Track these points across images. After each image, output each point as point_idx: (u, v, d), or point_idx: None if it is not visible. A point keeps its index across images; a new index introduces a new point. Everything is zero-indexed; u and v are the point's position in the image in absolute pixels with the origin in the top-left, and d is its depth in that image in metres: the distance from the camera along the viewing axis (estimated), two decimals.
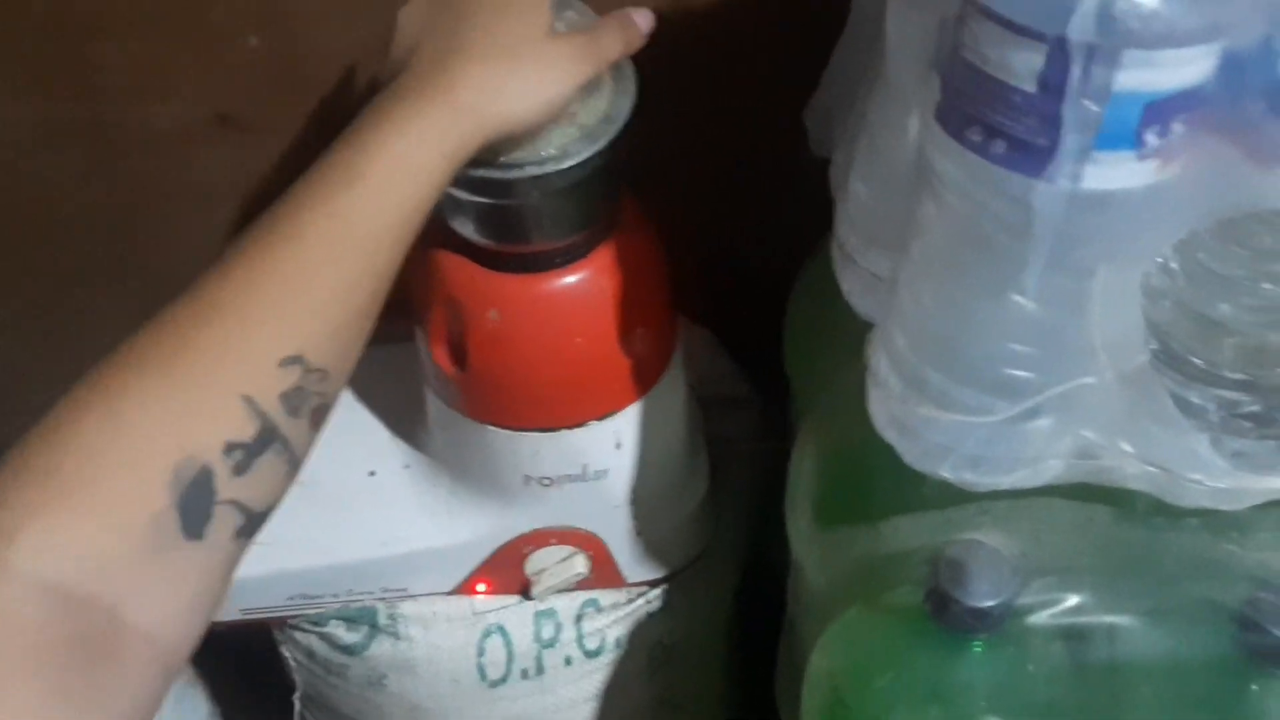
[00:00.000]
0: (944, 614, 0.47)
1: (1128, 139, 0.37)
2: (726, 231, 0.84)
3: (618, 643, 0.78)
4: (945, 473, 0.47)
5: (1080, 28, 0.35)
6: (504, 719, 0.78)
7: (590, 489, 0.70)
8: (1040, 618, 0.48)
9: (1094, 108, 0.36)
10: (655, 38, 0.58)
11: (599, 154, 0.56)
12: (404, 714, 0.79)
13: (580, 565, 0.74)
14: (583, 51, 0.53)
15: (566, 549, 0.74)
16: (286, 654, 0.81)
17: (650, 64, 0.59)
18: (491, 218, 0.59)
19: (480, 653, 0.75)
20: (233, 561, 0.43)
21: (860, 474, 0.58)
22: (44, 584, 0.37)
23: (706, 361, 0.88)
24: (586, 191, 0.58)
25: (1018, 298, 0.42)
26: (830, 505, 0.60)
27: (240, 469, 0.42)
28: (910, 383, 0.46)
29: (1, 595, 0.36)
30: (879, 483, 0.56)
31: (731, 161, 0.82)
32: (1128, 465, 0.46)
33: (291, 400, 0.43)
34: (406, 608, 0.76)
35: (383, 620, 0.76)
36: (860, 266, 0.55)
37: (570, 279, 0.62)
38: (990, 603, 0.47)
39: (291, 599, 0.75)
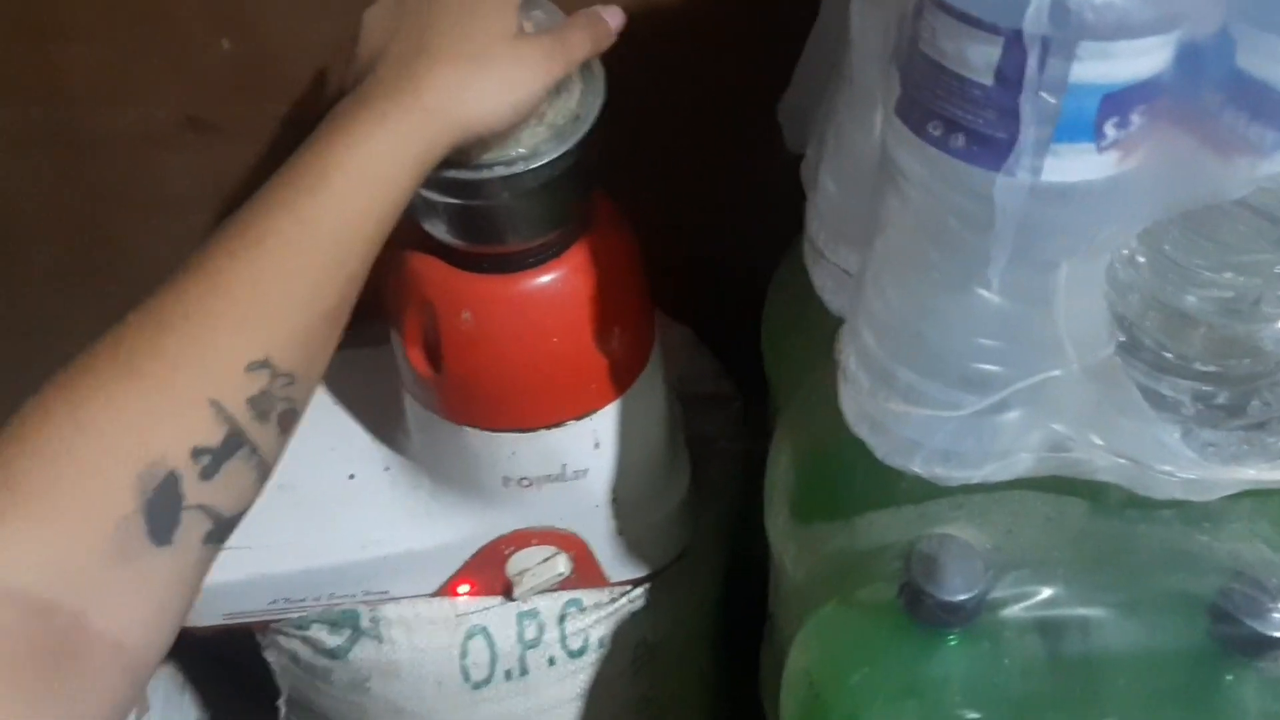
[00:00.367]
0: (918, 608, 0.47)
1: (1086, 131, 0.37)
2: (705, 229, 0.84)
3: (601, 642, 0.78)
4: (916, 468, 0.47)
5: (1035, 20, 0.35)
6: None
7: (570, 489, 0.70)
8: (1014, 611, 0.48)
9: (1051, 100, 0.36)
10: (626, 35, 0.58)
11: (569, 153, 0.56)
12: (388, 717, 0.79)
13: (562, 565, 0.74)
14: (551, 52, 0.52)
15: (548, 549, 0.74)
16: (270, 659, 0.81)
17: (621, 62, 0.59)
18: (463, 219, 0.59)
19: (464, 654, 0.75)
20: (203, 567, 0.43)
21: (835, 470, 0.58)
22: (8, 591, 0.36)
23: (687, 359, 0.87)
24: (558, 191, 0.58)
25: (982, 292, 0.42)
26: (806, 501, 0.60)
27: (207, 474, 0.41)
28: (879, 378, 0.46)
29: None
30: (853, 479, 0.56)
31: (708, 159, 0.81)
32: (1098, 458, 0.46)
33: (259, 404, 0.43)
34: (389, 610, 0.75)
35: (365, 623, 0.76)
36: (830, 263, 0.54)
37: (544, 279, 0.62)
38: (963, 596, 0.46)
39: (273, 603, 0.75)
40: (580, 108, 0.57)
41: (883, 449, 0.48)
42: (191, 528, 0.41)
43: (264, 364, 0.43)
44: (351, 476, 0.75)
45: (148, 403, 0.41)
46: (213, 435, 0.42)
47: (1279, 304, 0.45)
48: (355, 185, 0.46)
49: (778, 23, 0.66)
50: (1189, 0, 0.36)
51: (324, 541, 0.73)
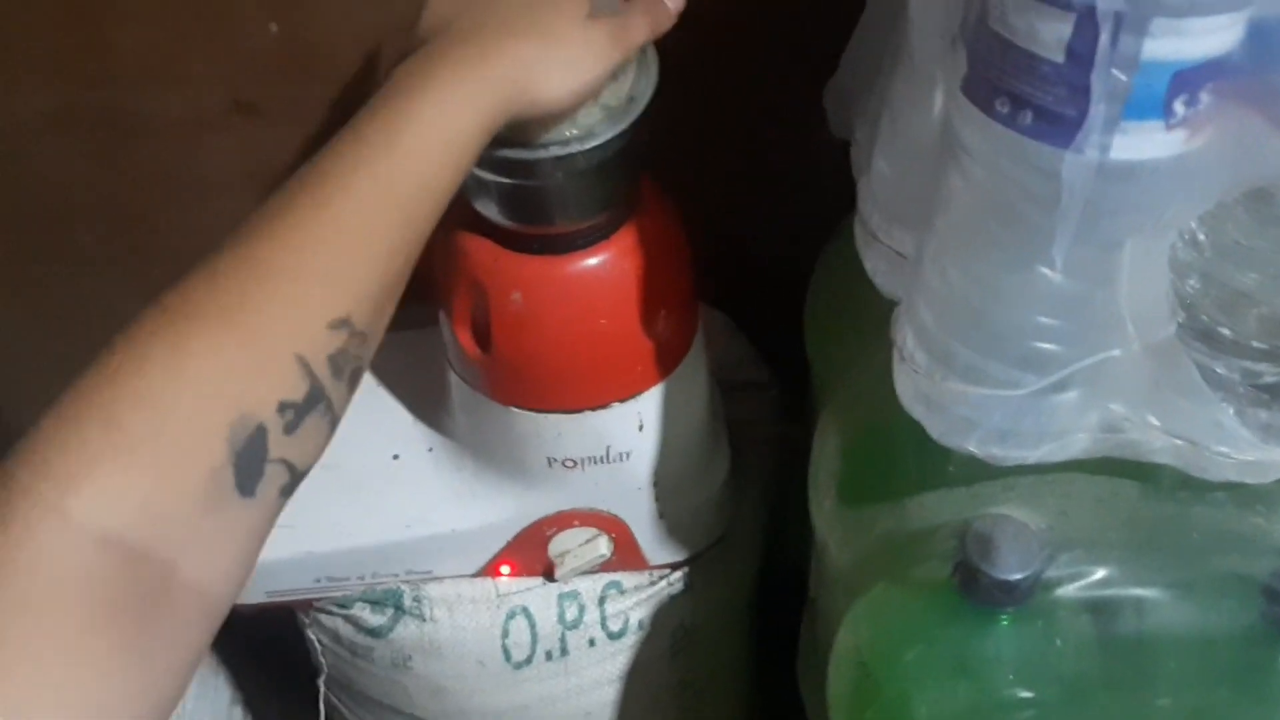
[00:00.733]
0: (971, 588, 0.48)
1: (1156, 109, 0.37)
2: (743, 216, 0.84)
3: (640, 624, 0.78)
4: (972, 447, 0.47)
5: None
6: (528, 700, 0.79)
7: (613, 471, 0.70)
8: (1067, 591, 0.48)
9: (1122, 77, 0.36)
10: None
11: (622, 135, 0.57)
12: (429, 695, 0.79)
13: (603, 547, 0.74)
14: (615, 36, 0.53)
15: (590, 531, 0.74)
16: (312, 636, 0.82)
17: (668, 46, 0.59)
18: (515, 199, 0.59)
19: (505, 634, 0.76)
20: (274, 519, 0.43)
21: (885, 452, 0.58)
22: (105, 535, 0.37)
23: (724, 346, 0.88)
24: (610, 172, 0.58)
25: (1045, 270, 0.42)
26: (854, 484, 0.60)
27: (290, 428, 0.42)
28: (937, 358, 0.46)
29: (65, 544, 0.36)
30: (904, 460, 0.56)
31: (749, 145, 0.82)
32: (1154, 439, 0.46)
33: (337, 362, 0.44)
34: (431, 590, 0.76)
35: (408, 602, 0.76)
36: (884, 245, 0.55)
37: (593, 260, 0.63)
38: (1018, 576, 0.47)
39: (317, 581, 0.75)
40: (634, 90, 0.58)
41: (939, 429, 0.48)
42: (272, 480, 0.42)
43: (345, 322, 0.44)
44: (396, 457, 0.76)
45: (242, 356, 0.41)
46: (297, 390, 0.42)
47: None
48: (429, 146, 0.47)
49: (824, 9, 0.66)
50: None
51: (368, 521, 0.74)
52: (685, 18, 0.59)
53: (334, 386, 0.44)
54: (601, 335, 0.65)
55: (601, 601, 0.77)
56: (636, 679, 0.80)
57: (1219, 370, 0.46)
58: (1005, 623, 0.48)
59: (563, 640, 0.77)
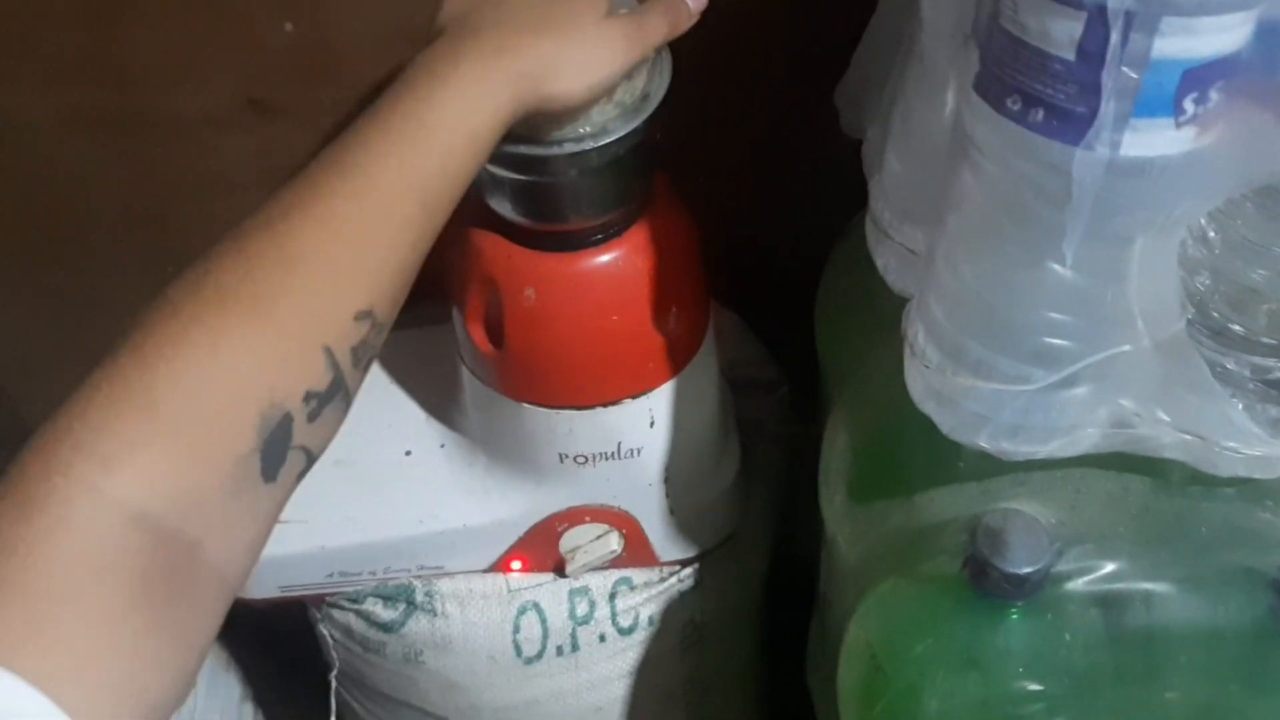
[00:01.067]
0: (982, 581, 0.48)
1: (1166, 106, 0.38)
2: (754, 215, 0.85)
3: (651, 620, 0.79)
4: (983, 442, 0.47)
5: None
6: (539, 695, 0.79)
7: (625, 467, 0.71)
8: (1077, 585, 0.49)
9: (1133, 75, 0.37)
10: None
11: (636, 132, 0.57)
12: (440, 690, 0.80)
13: (614, 543, 0.75)
14: (631, 35, 0.53)
15: (601, 527, 0.75)
16: (324, 631, 0.82)
17: (681, 45, 0.60)
18: (529, 195, 0.60)
19: (516, 629, 0.76)
20: (285, 503, 0.44)
21: (895, 448, 0.59)
22: (140, 515, 0.38)
23: (735, 344, 0.88)
24: (623, 170, 0.59)
25: (1056, 266, 0.42)
26: (865, 480, 0.61)
27: (312, 416, 0.43)
28: (948, 353, 0.47)
29: (101, 523, 0.37)
30: (915, 456, 0.56)
31: (760, 144, 0.82)
32: (1164, 434, 0.47)
33: (358, 352, 0.45)
34: (443, 585, 0.77)
35: (420, 597, 0.77)
36: (895, 242, 0.55)
37: (606, 257, 0.63)
38: (1028, 569, 0.47)
39: (329, 576, 0.76)
40: (648, 87, 0.58)
41: (949, 424, 0.48)
42: (292, 466, 0.43)
43: (368, 314, 0.45)
44: (408, 453, 0.76)
45: (273, 345, 0.42)
46: (322, 380, 0.43)
47: None
48: (453, 137, 0.47)
49: (835, 8, 0.66)
50: None
51: (381, 516, 0.75)
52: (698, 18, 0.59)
53: (352, 376, 0.45)
54: (613, 332, 0.66)
55: (612, 597, 0.77)
56: (646, 675, 0.81)
57: (1229, 366, 0.47)
58: (1015, 616, 0.49)
59: (573, 636, 0.77)
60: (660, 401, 0.69)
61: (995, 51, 0.40)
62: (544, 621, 0.76)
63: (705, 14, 0.58)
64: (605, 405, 0.68)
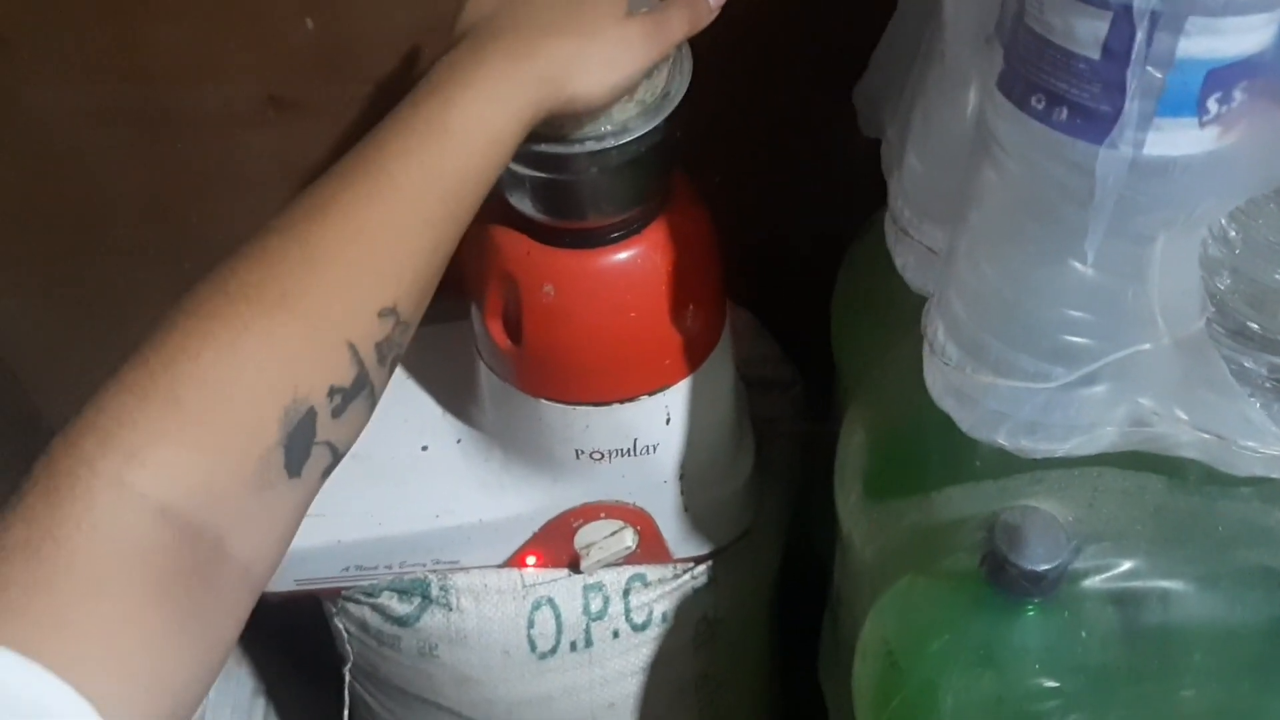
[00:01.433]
0: (1000, 578, 0.48)
1: (1189, 106, 0.38)
2: (770, 214, 0.85)
3: (664, 617, 0.79)
4: (1001, 440, 0.48)
5: None
6: (552, 690, 0.80)
7: (640, 464, 0.71)
8: (1094, 582, 0.49)
9: (1157, 74, 0.37)
10: None
11: (656, 130, 0.57)
12: (454, 684, 0.80)
13: (629, 539, 0.75)
14: (652, 34, 0.54)
15: (615, 523, 0.75)
16: (340, 625, 0.83)
17: (701, 45, 0.60)
18: (549, 193, 0.60)
19: (530, 624, 0.77)
20: (312, 499, 0.45)
21: (913, 446, 0.59)
22: (164, 509, 0.38)
23: (749, 343, 0.89)
24: (643, 168, 0.59)
25: (1077, 264, 0.42)
26: (881, 478, 0.61)
27: (337, 412, 0.43)
28: (968, 350, 0.47)
29: (126, 516, 0.37)
30: (932, 454, 0.57)
31: (778, 143, 0.82)
32: (1182, 433, 0.47)
33: (382, 349, 0.45)
34: (458, 580, 0.77)
35: (435, 592, 0.77)
36: (915, 240, 0.55)
37: (625, 254, 0.64)
38: (1045, 566, 0.47)
39: (345, 570, 0.76)
40: (668, 86, 0.58)
41: (968, 421, 0.48)
42: (317, 462, 0.43)
43: (392, 311, 0.45)
44: (424, 448, 0.77)
45: (297, 341, 0.42)
46: (346, 376, 0.44)
47: None
48: (473, 140, 0.48)
49: (854, 7, 0.67)
50: None
51: (397, 511, 0.75)
52: (718, 16, 0.60)
53: (377, 373, 0.46)
54: (631, 329, 0.66)
55: (626, 593, 0.78)
56: (659, 671, 0.81)
57: (1247, 365, 0.47)
58: (1032, 613, 0.49)
59: (587, 631, 0.78)
60: (676, 398, 0.70)
61: (1020, 50, 0.40)
62: (558, 617, 0.77)
63: (725, 12, 0.58)
64: (622, 402, 0.68)
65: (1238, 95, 0.38)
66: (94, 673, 0.35)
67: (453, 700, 0.82)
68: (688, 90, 0.59)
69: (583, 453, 0.70)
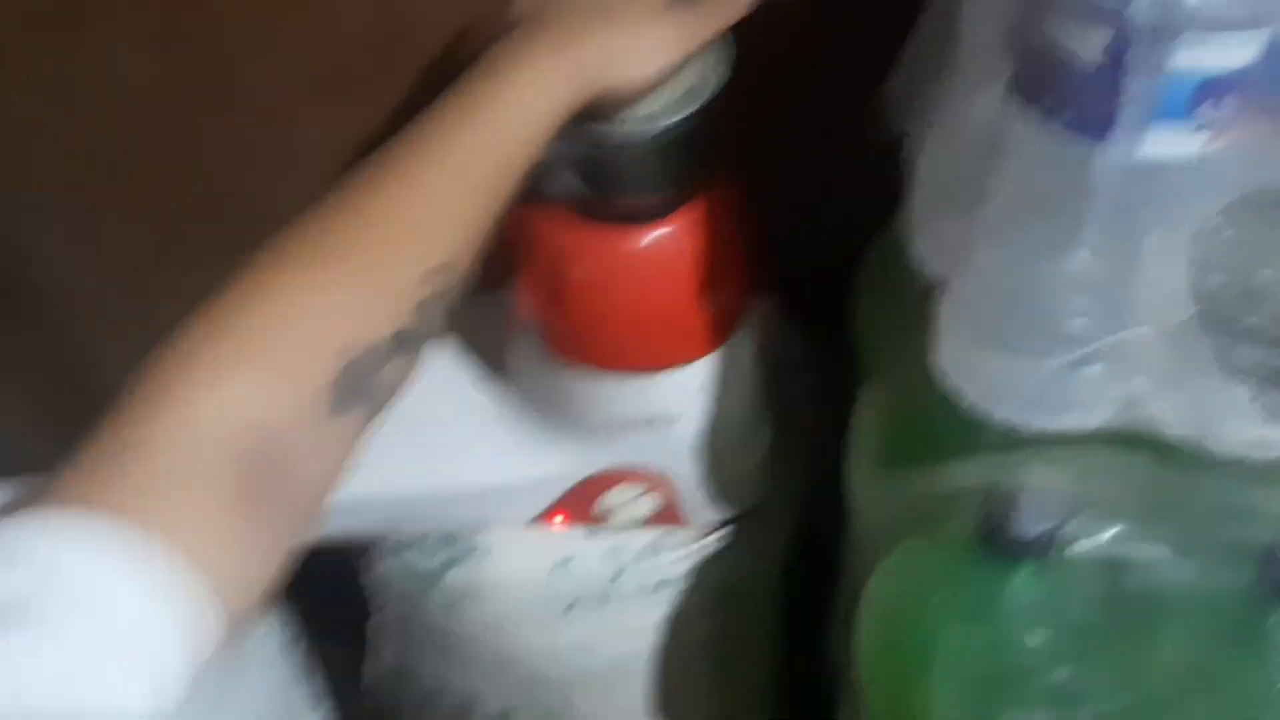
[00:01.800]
0: (995, 541, 0.52)
1: (1181, 113, 0.42)
2: (799, 204, 0.88)
3: (681, 579, 0.83)
4: (1003, 413, 0.52)
5: (1143, 10, 0.39)
6: (571, 644, 0.83)
7: (665, 432, 0.75)
8: (1082, 548, 0.53)
9: (1153, 83, 0.41)
10: None
11: (693, 116, 0.61)
12: (478, 637, 0.84)
13: (650, 504, 0.79)
14: (690, 27, 0.58)
15: (638, 488, 0.79)
16: (370, 578, 0.87)
17: (737, 37, 0.63)
18: (588, 170, 0.64)
19: (553, 581, 0.80)
20: (357, 444, 0.49)
21: (920, 423, 0.63)
22: (235, 429, 0.43)
23: (772, 325, 0.92)
24: (679, 152, 0.62)
25: (1077, 255, 0.46)
26: (890, 451, 0.65)
27: (383, 362, 0.48)
28: (974, 332, 0.51)
29: (204, 433, 0.43)
30: (938, 430, 0.60)
31: (806, 134, 0.85)
32: (1170, 414, 0.51)
33: (428, 306, 0.50)
34: (484, 536, 0.81)
35: (461, 548, 0.81)
36: (930, 231, 0.59)
37: (658, 234, 0.67)
38: (1036, 532, 0.51)
39: (377, 523, 0.80)
40: (706, 75, 0.62)
41: (973, 396, 0.52)
42: (365, 404, 0.48)
43: (441, 269, 0.50)
44: (458, 410, 0.80)
45: (349, 293, 0.48)
46: (390, 329, 0.48)
47: None
48: (516, 122, 0.53)
49: (887, 13, 0.70)
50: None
51: (427, 469, 0.78)
52: (756, 11, 0.63)
53: (421, 330, 0.50)
54: (660, 305, 0.70)
55: (645, 556, 0.81)
56: (674, 631, 0.85)
57: (1234, 354, 0.50)
58: (1024, 575, 0.53)
59: (606, 590, 0.82)
60: (701, 373, 0.73)
61: (1028, 57, 0.44)
62: (580, 575, 0.81)
63: (765, 10, 0.61)
64: (649, 373, 0.72)
65: (1226, 105, 0.42)
66: (179, 566, 0.39)
67: (475, 653, 0.86)
68: (727, 80, 0.62)
69: (610, 420, 0.74)
